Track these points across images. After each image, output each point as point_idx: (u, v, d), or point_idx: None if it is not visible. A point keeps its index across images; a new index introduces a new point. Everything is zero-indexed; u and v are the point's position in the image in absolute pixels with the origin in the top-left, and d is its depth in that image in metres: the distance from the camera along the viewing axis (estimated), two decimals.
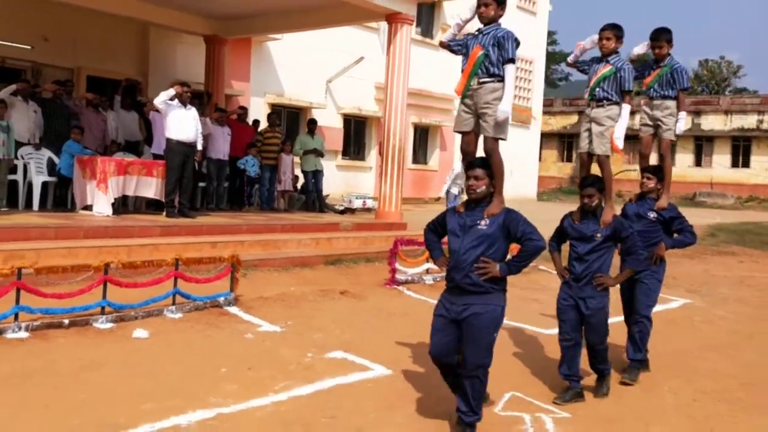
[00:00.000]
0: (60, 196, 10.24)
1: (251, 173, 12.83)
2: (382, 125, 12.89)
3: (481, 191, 4.20)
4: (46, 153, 10.03)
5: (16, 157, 9.47)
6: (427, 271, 9.60)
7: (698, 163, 40.40)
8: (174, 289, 6.47)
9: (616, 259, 5.48)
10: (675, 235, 5.95)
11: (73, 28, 13.77)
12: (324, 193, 14.43)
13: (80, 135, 10.18)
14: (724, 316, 8.85)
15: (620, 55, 5.64)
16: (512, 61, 4.75)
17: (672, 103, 6.10)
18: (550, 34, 49.92)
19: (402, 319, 7.47)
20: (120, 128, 11.93)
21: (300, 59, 18.03)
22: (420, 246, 9.79)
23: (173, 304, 6.49)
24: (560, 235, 5.36)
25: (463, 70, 4.97)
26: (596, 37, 5.65)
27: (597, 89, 5.58)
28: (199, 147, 10.46)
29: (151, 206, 10.75)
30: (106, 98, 11.99)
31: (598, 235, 5.04)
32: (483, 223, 4.12)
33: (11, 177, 9.44)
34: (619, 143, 5.48)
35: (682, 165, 40.38)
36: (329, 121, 19.20)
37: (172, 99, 9.93)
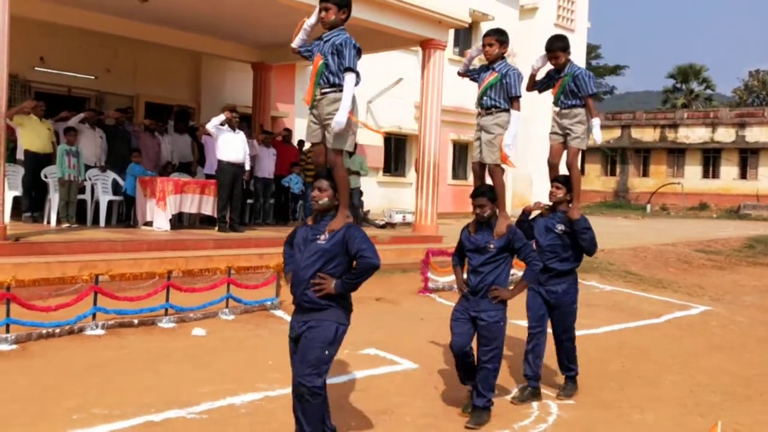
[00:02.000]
0: (123, 213, 11.23)
1: (295, 190, 13.69)
2: (419, 143, 13.63)
3: (323, 203, 3.98)
4: (111, 174, 11.03)
5: (85, 179, 10.48)
6: None
7: (743, 175, 40.05)
8: (227, 294, 7.30)
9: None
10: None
11: (133, 59, 14.92)
12: (365, 208, 15.21)
13: (140, 157, 11.16)
14: (741, 322, 9.29)
15: (506, 61, 5.41)
16: (350, 69, 4.41)
17: (580, 111, 5.83)
18: (594, 48, 50.28)
19: (432, 323, 8.15)
20: (174, 150, 12.93)
21: None
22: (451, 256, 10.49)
23: (226, 307, 7.33)
24: (460, 247, 5.18)
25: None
26: (480, 44, 5.48)
27: (484, 98, 5.40)
28: (247, 167, 11.34)
29: (204, 222, 11.67)
30: (162, 123, 13.01)
31: (492, 246, 4.87)
32: (322, 237, 3.91)
33: (80, 197, 10.43)
34: (508, 151, 5.29)
35: (727, 178, 40.13)
36: (370, 139, 20.01)
37: (222, 124, 10.84)
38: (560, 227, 5.53)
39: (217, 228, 10.87)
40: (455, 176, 23.49)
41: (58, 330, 6.06)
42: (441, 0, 12.42)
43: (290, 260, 4.12)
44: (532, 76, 6.04)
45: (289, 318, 7.58)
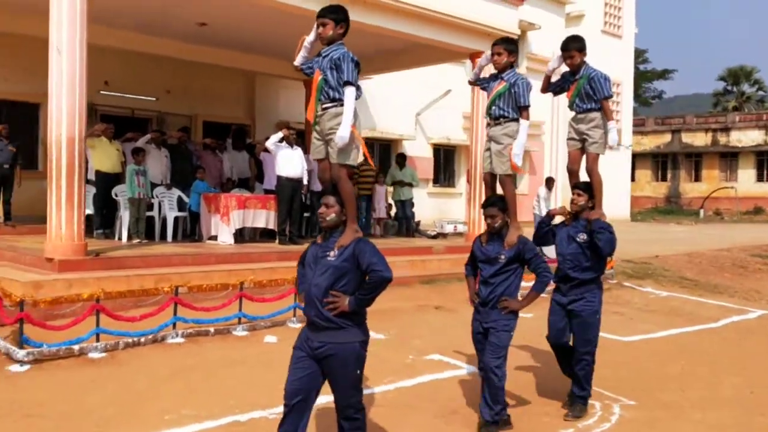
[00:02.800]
0: (188, 228, 11.72)
1: None
2: (470, 154, 13.85)
3: (331, 219, 3.90)
4: (176, 192, 11.53)
5: (152, 197, 10.99)
6: None
7: None
8: (294, 303, 7.63)
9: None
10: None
11: (191, 80, 15.51)
12: (416, 219, 15.48)
13: (205, 174, 11.64)
14: None
15: (515, 70, 5.39)
16: (350, 83, 4.41)
17: (596, 115, 5.68)
18: (641, 53, 49.75)
19: None
20: (233, 167, 13.41)
21: (390, 94, 19.27)
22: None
23: (294, 315, 7.67)
24: (472, 258, 5.12)
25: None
26: (490, 53, 5.47)
27: (493, 107, 5.37)
28: (305, 182, 11.73)
29: (264, 235, 12.08)
30: (221, 141, 13.52)
31: (502, 257, 4.82)
32: (332, 254, 3.82)
33: (149, 213, 10.94)
34: (517, 160, 5.25)
35: None
36: (419, 151, 20.32)
37: (281, 141, 11.26)
38: (582, 236, 5.35)
39: (277, 241, 11.26)
40: None
41: (143, 339, 6.46)
42: (490, 13, 12.63)
43: (303, 279, 3.98)
44: (547, 78, 5.97)
45: None
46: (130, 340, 6.39)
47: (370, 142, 18.97)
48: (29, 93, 12.99)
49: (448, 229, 16.64)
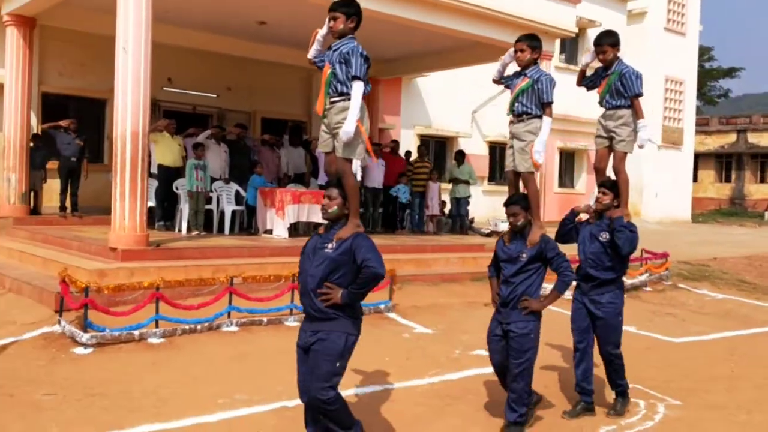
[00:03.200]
0: (244, 222, 12.04)
1: (403, 200, 14.17)
2: None
3: (333, 211, 3.95)
4: (234, 186, 11.86)
5: (211, 191, 11.33)
6: None
7: None
8: None
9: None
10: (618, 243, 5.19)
11: (250, 77, 15.88)
12: (470, 217, 15.51)
13: (262, 170, 11.95)
14: None
15: (538, 66, 5.31)
16: (358, 78, 4.38)
17: (625, 112, 5.58)
18: (707, 50, 48.38)
19: None
20: (289, 163, 13.71)
21: (446, 92, 19.32)
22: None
23: None
24: (495, 259, 5.04)
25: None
26: (513, 50, 5.36)
27: (516, 104, 5.28)
28: (359, 177, 11.91)
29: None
30: (278, 138, 13.83)
31: (523, 255, 4.73)
32: (330, 246, 3.85)
33: (207, 207, 11.30)
34: (538, 157, 5.15)
35: None
36: (475, 148, 20.30)
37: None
38: (605, 235, 5.25)
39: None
40: (561, 184, 23.34)
41: (199, 326, 6.74)
42: (548, 11, 12.57)
43: (302, 269, 4.04)
44: (582, 72, 5.91)
45: (402, 320, 8.06)
46: (187, 327, 6.68)
47: (425, 140, 19.07)
48: (96, 89, 13.53)
49: (503, 227, 16.60)
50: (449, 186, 15.23)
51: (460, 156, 15.49)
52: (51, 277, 7.52)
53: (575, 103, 22.19)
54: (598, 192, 5.41)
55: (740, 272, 13.30)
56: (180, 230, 10.80)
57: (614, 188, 5.37)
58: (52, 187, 12.02)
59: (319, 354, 3.81)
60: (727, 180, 43.06)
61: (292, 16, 11.74)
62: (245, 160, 12.54)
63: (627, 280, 10.97)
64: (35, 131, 11.88)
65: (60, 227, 10.71)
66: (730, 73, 53.73)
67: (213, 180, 11.49)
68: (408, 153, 15.58)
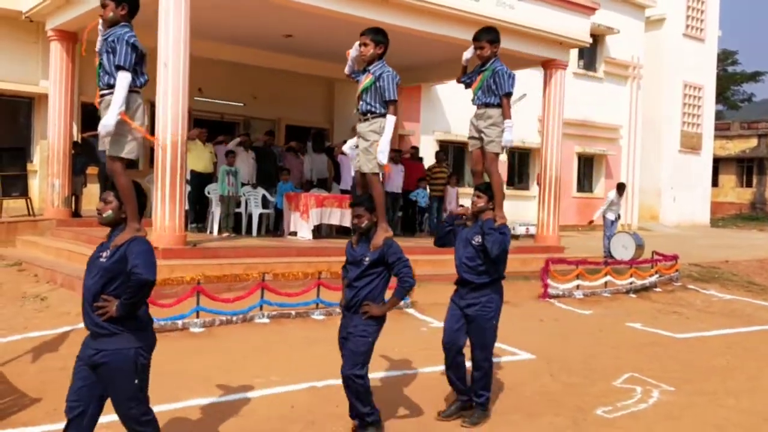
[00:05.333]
0: (271, 224, 12.70)
1: (421, 204, 14.75)
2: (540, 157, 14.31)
3: (107, 216, 3.67)
4: (261, 191, 12.51)
5: (241, 195, 11.99)
6: (578, 287, 10.90)
7: None
8: None
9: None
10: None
11: (275, 86, 16.59)
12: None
13: (288, 176, 12.59)
14: None
15: (382, 62, 5.06)
16: (122, 68, 4.02)
17: (495, 111, 5.46)
18: (731, 54, 48.49)
19: (550, 324, 8.91)
20: (313, 168, 14.34)
21: (465, 98, 19.67)
22: (570, 265, 11.17)
23: None
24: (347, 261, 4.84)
25: None
26: (357, 43, 5.14)
27: (360, 102, 5.10)
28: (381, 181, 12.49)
29: (340, 232, 12.93)
30: (302, 144, 14.47)
31: (366, 259, 4.56)
32: (104, 255, 3.58)
33: (236, 210, 11.96)
34: (381, 157, 4.96)
35: None
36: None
37: (357, 146, 12.06)
38: (477, 239, 5.11)
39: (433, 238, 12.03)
40: (580, 189, 23.74)
41: (234, 318, 7.39)
42: (562, 22, 13.06)
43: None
44: (463, 68, 5.77)
45: (420, 315, 8.63)
46: (224, 318, 7.33)
47: (444, 145, 19.60)
48: None
49: (520, 230, 17.13)
50: (468, 190, 15.75)
51: None
52: None
53: (594, 108, 22.72)
54: (473, 195, 5.30)
55: (751, 275, 13.70)
56: (212, 231, 11.45)
57: (489, 191, 5.25)
58: (92, 192, 12.79)
59: (112, 378, 3.51)
60: (749, 185, 43.01)
61: (317, 29, 12.37)
62: (272, 165, 13.18)
63: (637, 281, 11.49)
64: (75, 139, 12.62)
65: (100, 228, 11.33)
66: (754, 77, 53.61)
67: (241, 185, 12.15)
68: (421, 158, 16.11)
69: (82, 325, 6.90)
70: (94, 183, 12.60)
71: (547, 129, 13.66)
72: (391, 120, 4.99)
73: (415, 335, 7.70)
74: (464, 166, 20.10)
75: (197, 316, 7.18)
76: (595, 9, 13.76)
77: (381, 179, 5.09)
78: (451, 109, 19.89)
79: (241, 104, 16.42)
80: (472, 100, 5.64)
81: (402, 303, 8.83)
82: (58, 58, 11.82)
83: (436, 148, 18.46)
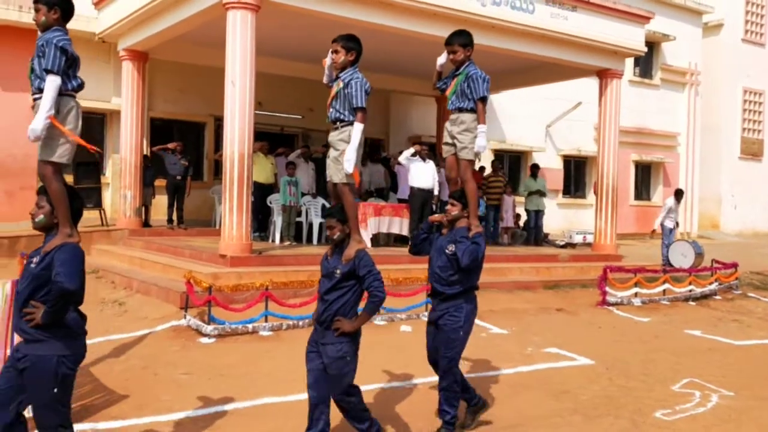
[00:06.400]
0: None
1: (480, 213, 14.90)
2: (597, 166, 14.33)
3: (39, 221, 3.66)
4: (320, 200, 12.88)
5: (301, 204, 12.39)
6: (636, 294, 10.92)
7: None
8: (426, 299, 8.63)
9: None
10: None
11: None
12: (545, 230, 16.08)
13: None
14: None
15: (354, 69, 4.91)
16: (51, 71, 3.85)
17: (468, 116, 5.36)
18: None
19: (608, 330, 8.98)
20: (371, 179, 14.68)
21: (520, 107, 19.93)
22: (628, 273, 11.19)
23: (426, 310, 8.66)
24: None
25: None
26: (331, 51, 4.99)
27: (330, 110, 4.96)
28: (436, 192, 12.74)
29: (398, 241, 13.21)
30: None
31: (338, 271, 4.37)
32: (35, 260, 3.59)
33: (298, 219, 12.36)
34: (347, 166, 4.78)
35: None
36: (549, 162, 20.81)
37: (413, 155, 12.36)
38: (451, 248, 4.97)
39: (409, 245, 12.32)
40: (638, 197, 23.50)
41: (300, 322, 7.70)
42: (617, 31, 13.10)
43: None
44: (438, 73, 5.69)
45: (479, 322, 8.78)
46: (291, 322, 7.66)
47: (500, 154, 19.72)
48: (195, 113, 14.93)
49: (577, 239, 17.14)
50: (524, 199, 15.83)
51: (536, 169, 16.10)
52: (171, 280, 8.67)
53: (650, 116, 22.52)
54: (448, 203, 5.20)
55: None
56: (274, 240, 11.87)
57: (463, 198, 5.13)
58: (161, 203, 13.37)
59: (33, 381, 3.49)
60: None
61: (371, 43, 12.60)
62: None
63: (697, 289, 11.44)
64: (145, 153, 13.24)
65: (169, 237, 11.95)
66: None
67: (302, 195, 12.56)
68: (482, 168, 16.31)
69: (160, 327, 7.46)
70: (162, 194, 13.16)
71: (603, 137, 13.70)
72: (358, 128, 4.86)
73: (474, 341, 7.76)
74: (520, 174, 20.18)
75: (266, 320, 7.53)
76: (650, 18, 13.74)
77: (354, 188, 4.94)
78: (507, 119, 20.01)
79: (300, 117, 16.88)
80: (448, 106, 5.56)
81: None
82: (130, 77, 12.45)
83: (492, 157, 18.60)
